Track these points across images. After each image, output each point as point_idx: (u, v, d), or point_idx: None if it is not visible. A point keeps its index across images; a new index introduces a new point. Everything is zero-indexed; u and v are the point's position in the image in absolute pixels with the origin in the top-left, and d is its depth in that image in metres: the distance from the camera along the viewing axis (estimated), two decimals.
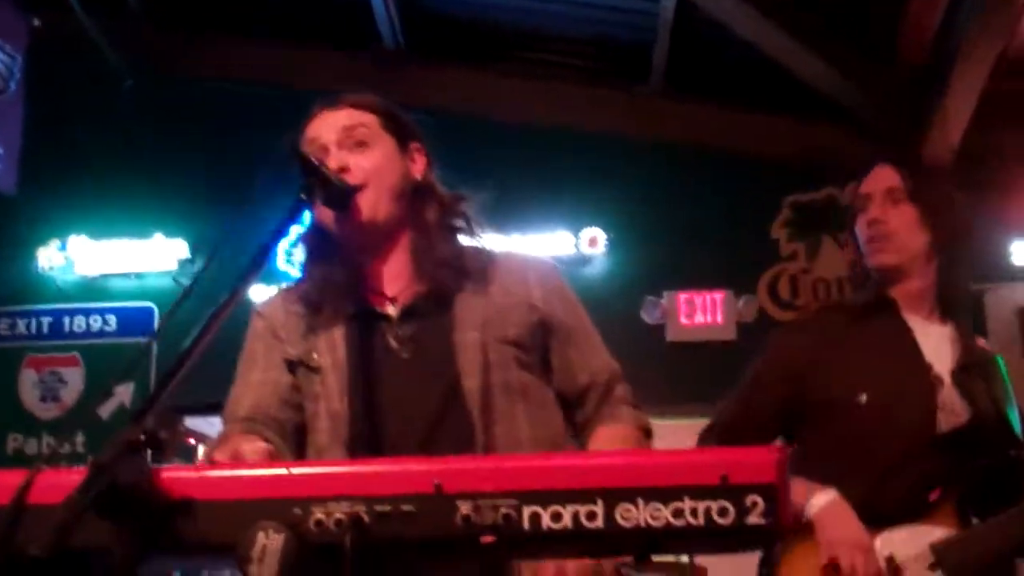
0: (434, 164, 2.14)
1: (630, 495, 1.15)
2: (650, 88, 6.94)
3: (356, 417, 1.92)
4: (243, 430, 1.95)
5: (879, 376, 2.49)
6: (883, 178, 2.64)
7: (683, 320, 6.73)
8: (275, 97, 6.39)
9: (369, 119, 2.06)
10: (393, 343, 1.97)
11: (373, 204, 1.97)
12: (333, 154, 1.99)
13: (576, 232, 6.88)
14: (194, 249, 6.85)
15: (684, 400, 6.07)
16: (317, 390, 1.97)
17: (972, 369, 2.54)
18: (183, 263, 6.84)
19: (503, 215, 7.22)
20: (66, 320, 6.96)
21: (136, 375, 6.64)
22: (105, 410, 6.63)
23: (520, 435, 1.90)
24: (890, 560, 2.37)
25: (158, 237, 6.97)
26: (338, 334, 2.00)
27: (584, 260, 6.89)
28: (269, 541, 1.08)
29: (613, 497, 1.15)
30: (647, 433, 2.07)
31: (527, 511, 1.15)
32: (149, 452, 1.17)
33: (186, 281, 6.71)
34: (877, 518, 2.40)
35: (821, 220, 6.83)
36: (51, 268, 7.02)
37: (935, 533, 2.40)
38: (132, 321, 6.85)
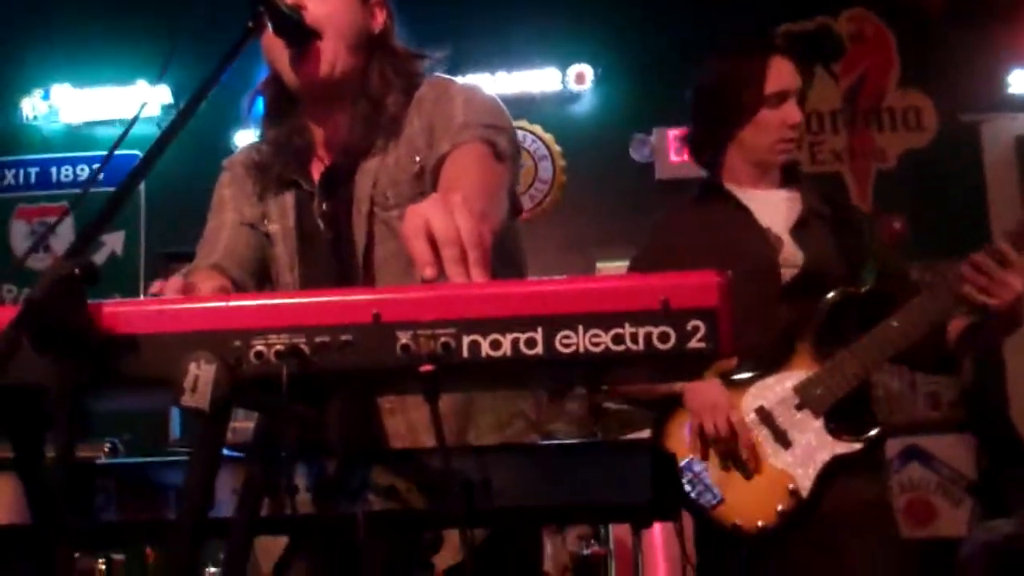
0: (394, 20, 2.08)
1: (570, 321, 1.14)
2: None
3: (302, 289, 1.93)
4: (210, 268, 1.95)
5: (723, 251, 2.65)
6: (792, 77, 2.77)
7: (673, 157, 6.67)
8: None
9: None
10: (319, 221, 1.96)
11: (332, 54, 1.94)
12: None
13: (563, 68, 6.76)
14: (177, 94, 6.76)
15: None
16: (271, 255, 1.98)
17: (811, 222, 2.75)
18: (166, 108, 6.75)
19: (489, 50, 7.16)
20: (53, 170, 6.92)
21: (125, 224, 6.67)
22: (98, 258, 6.65)
23: None
24: (760, 410, 2.58)
25: (141, 83, 6.88)
26: (288, 202, 2.00)
27: (571, 97, 6.80)
28: (201, 371, 1.08)
29: (553, 324, 1.14)
30: (496, 150, 1.86)
31: (466, 339, 1.14)
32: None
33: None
34: (743, 380, 2.62)
35: (814, 50, 6.71)
36: (36, 117, 6.95)
37: (795, 376, 2.61)
38: (118, 169, 6.80)
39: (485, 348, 1.14)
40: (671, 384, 2.60)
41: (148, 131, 6.77)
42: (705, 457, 2.58)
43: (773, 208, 2.77)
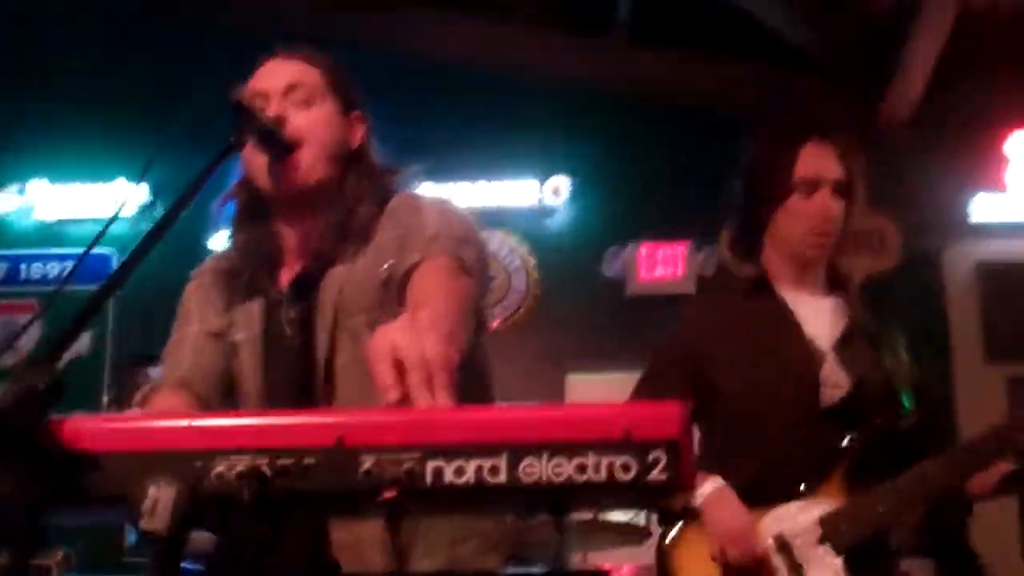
0: (373, 136, 2.13)
1: (534, 449, 1.14)
2: (616, 35, 6.91)
3: (265, 400, 1.94)
4: (174, 384, 1.95)
5: (761, 357, 2.54)
6: (832, 164, 2.58)
7: (643, 273, 6.74)
8: (243, 41, 6.31)
9: (317, 76, 2.05)
10: (287, 329, 1.97)
11: (309, 164, 1.97)
12: (275, 103, 1.98)
13: (541, 180, 6.86)
14: (156, 194, 6.79)
15: (643, 354, 6.08)
16: (237, 366, 1.99)
17: (856, 338, 2.56)
18: (144, 208, 6.77)
19: (467, 161, 7.27)
20: (23, 267, 6.90)
21: (93, 324, 6.62)
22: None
23: None
24: (779, 537, 2.41)
25: (120, 181, 6.90)
26: (256, 309, 2.00)
27: (547, 210, 6.89)
28: (161, 494, 1.07)
29: (517, 451, 1.14)
30: (464, 265, 1.83)
31: (430, 465, 1.14)
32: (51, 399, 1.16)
33: (146, 227, 6.63)
34: (766, 496, 2.44)
35: None
36: (9, 213, 6.95)
37: (822, 507, 2.42)
38: (90, 267, 6.77)
39: (448, 474, 1.14)
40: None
41: (123, 230, 6.81)
42: None
43: (818, 317, 2.59)
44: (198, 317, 2.05)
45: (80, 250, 6.84)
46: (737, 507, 2.45)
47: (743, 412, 2.53)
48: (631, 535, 4.32)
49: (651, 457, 1.14)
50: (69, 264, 6.86)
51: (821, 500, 2.45)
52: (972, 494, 2.51)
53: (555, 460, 1.14)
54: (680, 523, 2.52)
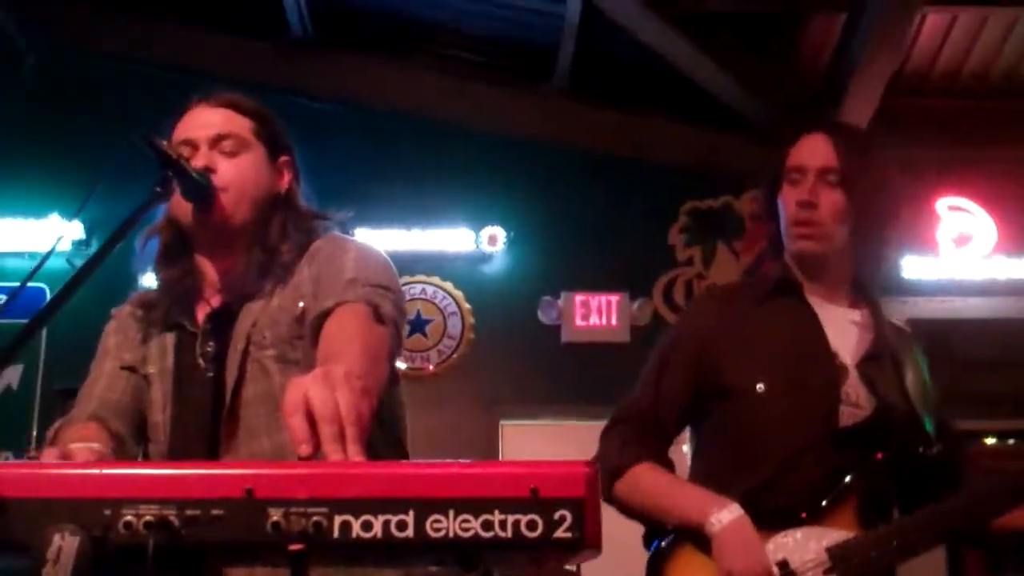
0: (300, 180, 2.14)
1: (441, 506, 1.16)
2: (554, 89, 6.99)
3: (173, 431, 1.94)
4: (88, 419, 1.94)
5: (780, 364, 2.33)
6: (819, 152, 2.38)
7: (578, 321, 6.79)
8: (180, 80, 6.32)
9: (244, 125, 2.06)
10: (200, 361, 1.98)
11: (232, 207, 1.98)
12: (202, 153, 1.99)
13: (477, 229, 6.91)
14: (90, 231, 6.74)
15: (577, 401, 6.14)
16: (148, 398, 2.00)
17: (881, 358, 2.38)
18: (77, 244, 6.72)
19: (404, 207, 7.29)
20: None
21: (24, 358, 6.54)
22: None
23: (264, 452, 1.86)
24: (783, 565, 2.21)
25: (54, 217, 6.84)
26: (169, 342, 2.01)
27: (484, 257, 6.93)
28: (65, 543, 1.07)
29: (424, 507, 1.16)
30: (379, 313, 1.82)
31: (338, 519, 1.15)
32: None
33: (79, 263, 6.58)
34: (769, 517, 2.24)
35: (717, 227, 6.96)
36: None
37: (831, 536, 2.23)
38: (24, 302, 6.69)
39: (356, 529, 1.15)
40: (700, 519, 2.21)
41: (57, 265, 6.74)
42: None
43: (843, 330, 2.38)
44: (113, 354, 2.06)
45: (13, 284, 6.76)
46: (756, 544, 2.21)
47: (753, 420, 2.31)
48: None
49: (557, 515, 1.16)
50: (2, 297, 6.75)
51: (830, 528, 2.24)
52: (996, 531, 2.30)
53: (462, 516, 1.16)
54: (672, 539, 2.32)
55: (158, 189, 1.83)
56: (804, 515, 2.24)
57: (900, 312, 6.95)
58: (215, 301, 2.03)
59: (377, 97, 7.02)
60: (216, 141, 2.00)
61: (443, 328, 6.87)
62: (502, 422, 6.71)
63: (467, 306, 6.89)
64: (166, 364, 2.00)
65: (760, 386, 2.29)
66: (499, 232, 6.90)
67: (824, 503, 2.24)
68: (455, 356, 6.87)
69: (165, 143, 1.92)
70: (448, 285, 6.91)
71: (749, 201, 7.08)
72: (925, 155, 6.90)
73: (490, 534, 1.15)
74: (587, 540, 1.16)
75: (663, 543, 2.32)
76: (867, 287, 2.45)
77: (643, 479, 2.37)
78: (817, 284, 2.41)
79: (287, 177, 2.11)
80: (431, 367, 6.83)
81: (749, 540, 2.20)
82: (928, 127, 6.90)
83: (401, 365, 6.50)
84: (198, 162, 1.96)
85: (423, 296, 6.89)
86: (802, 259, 2.41)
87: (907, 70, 6.58)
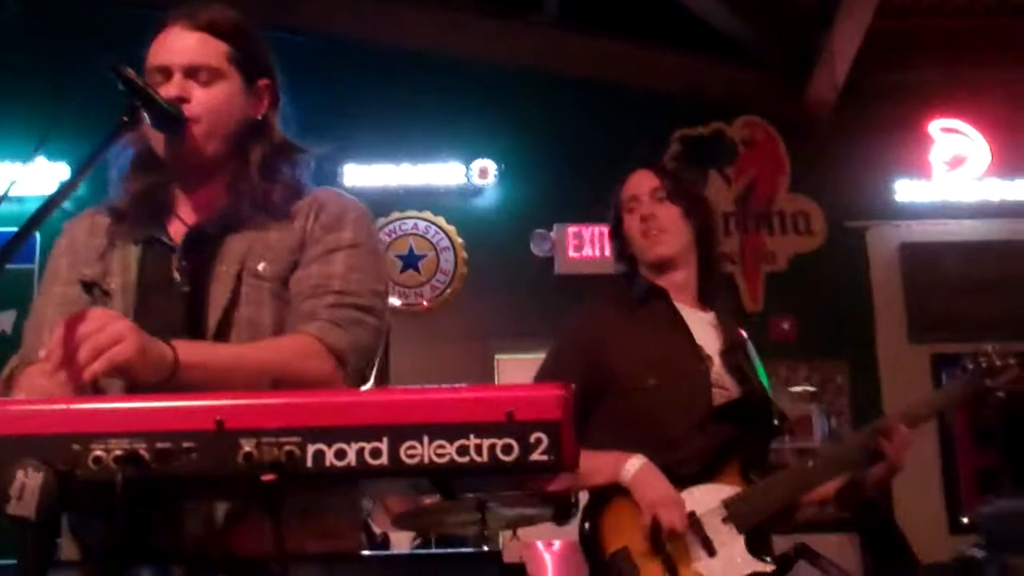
0: (278, 107, 2.09)
1: (415, 432, 1.14)
2: (544, 18, 6.90)
3: None
4: (40, 361, 1.89)
5: (661, 359, 2.78)
6: (645, 180, 2.90)
7: (571, 253, 6.76)
8: (156, 16, 6.23)
9: (220, 50, 1.98)
10: (175, 274, 1.93)
11: (203, 138, 1.93)
12: (176, 81, 1.94)
13: (467, 163, 6.85)
14: (76, 173, 6.68)
15: None
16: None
17: (735, 350, 2.87)
18: (64, 185, 6.66)
19: (394, 142, 7.22)
20: None
21: (16, 303, 6.52)
22: None
23: None
24: (691, 515, 2.65)
25: (40, 160, 6.78)
26: (132, 256, 1.96)
27: (475, 191, 6.89)
28: (28, 479, 1.05)
29: (398, 434, 1.14)
30: (336, 352, 1.83)
31: (311, 448, 1.14)
32: None
33: (68, 206, 6.54)
34: (672, 481, 2.67)
35: (708, 154, 6.90)
36: None
37: (725, 491, 2.70)
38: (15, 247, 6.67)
39: (329, 457, 1.14)
40: (614, 472, 2.66)
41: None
42: (656, 551, 2.61)
43: (703, 328, 2.87)
44: (65, 277, 1.98)
45: (6, 229, 6.73)
46: (665, 480, 2.66)
47: (647, 408, 2.75)
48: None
49: (532, 438, 1.14)
50: None
51: (723, 485, 2.72)
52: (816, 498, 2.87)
53: (436, 442, 1.14)
54: (597, 496, 2.71)
55: (125, 119, 1.79)
56: (700, 476, 2.70)
57: (894, 236, 6.95)
58: (191, 219, 1.99)
59: (364, 30, 6.92)
60: (190, 71, 1.95)
61: (436, 263, 6.85)
62: (497, 356, 6.70)
63: (459, 240, 6.85)
64: (129, 278, 1.94)
65: (650, 380, 2.74)
66: (490, 165, 6.85)
67: (714, 466, 2.72)
68: (449, 291, 6.85)
69: (131, 71, 1.86)
70: (440, 220, 6.87)
71: (741, 127, 7.03)
72: (917, 78, 6.84)
73: (465, 459, 1.14)
74: (564, 462, 1.15)
75: (589, 501, 2.73)
76: (712, 294, 2.94)
77: None
78: (675, 292, 2.87)
79: (265, 101, 2.06)
80: (425, 302, 6.81)
81: (658, 477, 2.66)
82: (919, 49, 6.83)
83: (396, 301, 6.53)
84: (171, 91, 1.89)
85: (415, 231, 6.85)
86: (657, 264, 2.87)
87: None
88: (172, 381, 1.58)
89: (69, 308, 1.89)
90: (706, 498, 2.69)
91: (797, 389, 6.67)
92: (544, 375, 2.84)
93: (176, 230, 1.98)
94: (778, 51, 6.62)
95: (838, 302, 6.77)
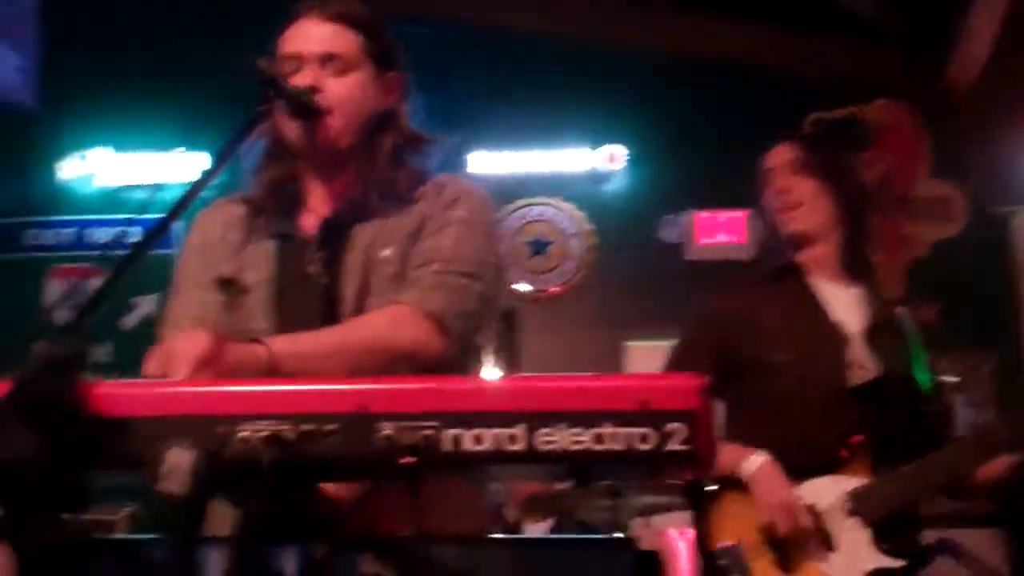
0: (407, 97, 2.12)
1: (552, 419, 1.15)
2: (674, 1, 6.83)
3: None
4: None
5: (792, 337, 2.72)
6: (782, 154, 2.91)
7: (702, 239, 6.69)
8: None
9: (353, 41, 2.03)
10: (309, 267, 1.98)
11: (337, 130, 1.97)
12: (309, 70, 1.98)
13: (595, 148, 6.83)
14: (216, 162, 6.85)
15: None
16: (243, 307, 1.98)
17: (881, 328, 2.75)
18: (205, 175, 6.84)
19: (522, 130, 7.23)
20: (89, 232, 7.03)
21: (161, 286, 6.75)
22: (131, 320, 6.72)
23: None
24: (811, 508, 2.56)
25: (180, 150, 6.98)
26: (269, 250, 2.01)
27: (603, 176, 6.86)
28: (179, 458, 1.09)
29: (535, 421, 1.15)
30: (432, 317, 1.87)
31: (449, 433, 1.16)
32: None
33: (207, 193, 6.72)
34: (798, 469, 2.59)
35: (844, 138, 6.74)
36: (74, 179, 7.08)
37: (851, 482, 2.59)
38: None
39: (467, 442, 1.16)
40: (734, 467, 2.60)
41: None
42: (758, 553, 2.55)
43: (844, 304, 2.78)
44: (197, 278, 2.04)
45: (142, 216, 6.95)
46: (785, 481, 2.58)
47: (772, 387, 2.69)
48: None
49: (669, 428, 1.14)
50: (136, 228, 6.95)
51: (848, 476, 2.61)
52: (979, 483, 2.69)
53: (573, 430, 1.15)
54: (715, 489, 2.67)
55: (262, 109, 1.83)
56: (825, 466, 2.60)
57: None
58: (324, 211, 2.03)
59: (491, 17, 6.94)
60: (324, 60, 1.99)
61: (564, 250, 6.85)
62: (626, 343, 6.67)
63: (588, 226, 6.84)
64: (266, 273, 1.99)
65: (780, 357, 2.68)
66: (619, 150, 6.81)
67: (841, 454, 2.60)
68: (577, 277, 6.84)
69: (267, 63, 1.91)
70: (569, 206, 6.86)
71: (877, 110, 6.84)
72: None
73: (601, 447, 1.14)
74: (700, 454, 1.15)
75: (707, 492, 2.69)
76: (860, 269, 2.83)
77: None
78: (814, 267, 2.80)
79: (395, 92, 2.09)
80: (552, 289, 6.82)
81: (778, 477, 2.57)
82: None
83: (525, 288, 6.55)
84: (304, 79, 1.95)
85: (543, 218, 6.87)
86: (794, 239, 2.81)
87: None
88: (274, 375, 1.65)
89: (204, 316, 1.96)
90: (830, 489, 2.59)
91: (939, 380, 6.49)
92: (674, 359, 2.81)
93: (309, 221, 2.02)
94: (915, 30, 6.43)
95: (982, 289, 6.55)
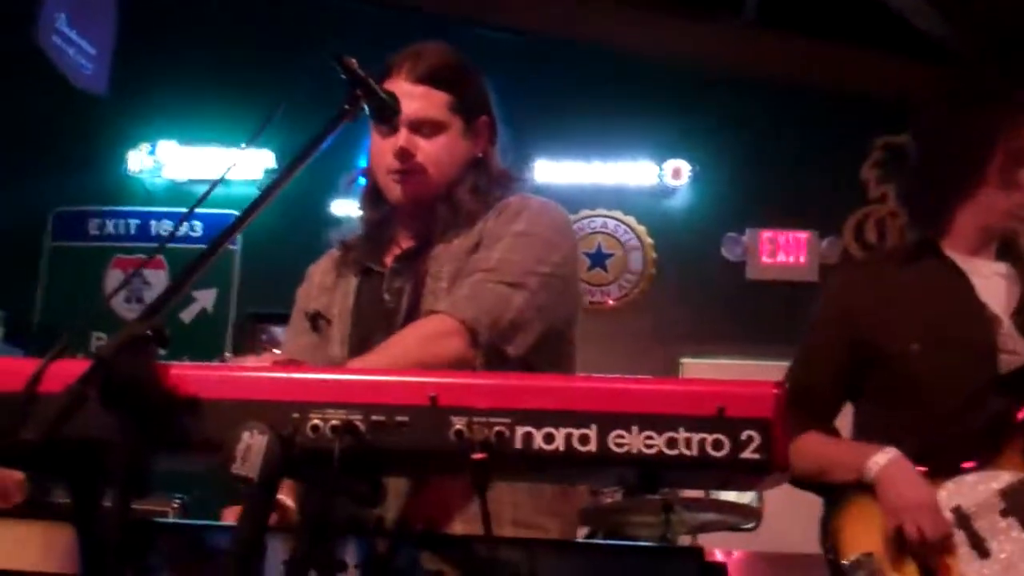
0: (496, 141, 2.17)
1: (625, 421, 1.14)
2: (743, 19, 6.79)
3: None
4: None
5: (931, 322, 2.40)
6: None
7: (764, 258, 6.64)
8: (369, 12, 6.42)
9: (442, 102, 2.08)
10: (386, 296, 2.07)
11: (429, 186, 2.06)
12: (402, 134, 2.05)
13: (660, 163, 6.81)
14: (280, 159, 6.92)
15: (760, 340, 6.01)
16: (328, 338, 2.10)
17: None
18: (269, 172, 6.91)
19: (586, 141, 7.21)
20: (153, 223, 7.12)
21: (218, 281, 6.83)
22: (188, 314, 6.80)
23: None
24: (957, 510, 2.27)
25: (244, 146, 7.05)
26: (351, 285, 2.13)
27: (667, 191, 6.84)
28: (253, 441, 1.10)
29: (607, 422, 1.14)
30: (466, 325, 1.88)
31: (520, 430, 1.15)
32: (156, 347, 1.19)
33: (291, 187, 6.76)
34: (941, 468, 2.30)
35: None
36: (140, 171, 7.17)
37: (1002, 478, 2.28)
38: (217, 228, 6.92)
39: (538, 441, 1.15)
40: (858, 467, 2.31)
41: (249, 192, 6.94)
42: (896, 564, 2.26)
43: (992, 283, 2.46)
44: (297, 326, 2.18)
45: (207, 210, 7.03)
46: (917, 478, 2.28)
47: (912, 379, 2.39)
48: (744, 517, 4.11)
49: (744, 435, 1.13)
50: (196, 222, 7.04)
51: (1000, 471, 2.30)
52: None
53: (646, 433, 1.14)
54: (841, 493, 2.39)
55: (346, 107, 1.84)
56: (973, 461, 2.30)
57: None
58: (405, 244, 2.12)
59: (559, 27, 6.95)
60: (415, 125, 2.05)
61: (624, 262, 6.83)
62: (682, 359, 6.64)
63: (649, 240, 6.82)
64: (347, 304, 2.10)
65: (915, 346, 2.37)
66: (683, 165, 6.79)
67: (991, 448, 2.30)
68: (635, 291, 6.83)
69: (354, 61, 1.92)
70: (630, 219, 6.85)
71: None
72: None
73: (674, 452, 1.13)
74: (775, 463, 1.13)
75: (833, 497, 2.39)
76: (1007, 242, 2.50)
77: (806, 447, 2.41)
78: (954, 240, 2.46)
79: (483, 139, 2.15)
80: (610, 301, 6.80)
81: (910, 475, 2.27)
82: None
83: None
84: (397, 143, 2.03)
85: (604, 230, 6.85)
86: (997, 233, 2.46)
87: None
88: None
89: (296, 351, 2.10)
90: (979, 488, 2.29)
91: None
92: (801, 357, 2.56)
93: (391, 256, 2.11)
94: (988, 55, 6.34)
95: None
